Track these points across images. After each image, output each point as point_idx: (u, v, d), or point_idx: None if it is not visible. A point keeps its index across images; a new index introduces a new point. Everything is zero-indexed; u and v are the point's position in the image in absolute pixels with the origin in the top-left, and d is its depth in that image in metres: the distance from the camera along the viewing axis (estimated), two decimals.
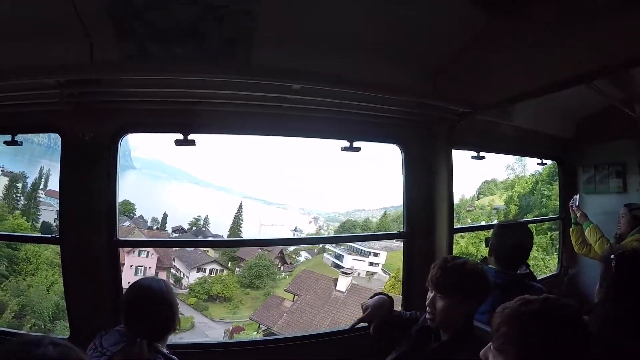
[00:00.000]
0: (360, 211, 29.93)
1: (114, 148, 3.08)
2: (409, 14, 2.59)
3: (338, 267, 24.90)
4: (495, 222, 5.37)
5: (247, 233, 28.21)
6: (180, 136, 3.12)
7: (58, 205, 3.12)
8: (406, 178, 3.72)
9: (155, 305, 2.21)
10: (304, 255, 27.13)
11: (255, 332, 20.74)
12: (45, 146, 22.80)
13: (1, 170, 22.31)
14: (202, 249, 25.06)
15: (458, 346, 2.20)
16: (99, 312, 2.98)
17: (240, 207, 28.53)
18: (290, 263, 26.79)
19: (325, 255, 26.18)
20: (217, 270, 25.04)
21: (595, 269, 2.44)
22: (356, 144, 3.45)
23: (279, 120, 3.30)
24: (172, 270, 24.59)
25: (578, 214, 4.37)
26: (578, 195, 4.53)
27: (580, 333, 1.40)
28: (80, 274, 3.03)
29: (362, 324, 2.67)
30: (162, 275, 22.85)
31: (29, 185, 22.06)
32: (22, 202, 21.71)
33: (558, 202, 5.72)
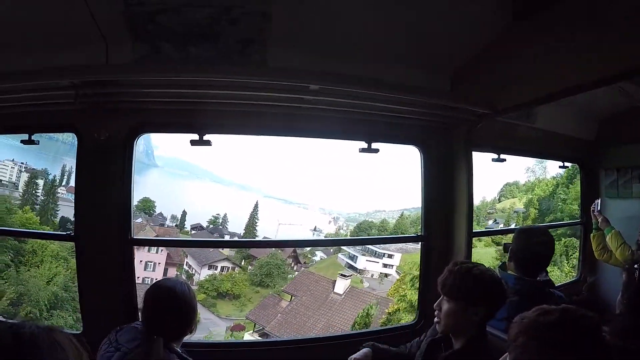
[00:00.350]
0: (380, 212, 29.85)
1: (129, 148, 3.08)
2: (428, 15, 2.54)
3: (352, 267, 24.89)
4: (514, 226, 5.24)
5: (264, 232, 28.50)
6: (195, 136, 3.12)
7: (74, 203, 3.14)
8: (425, 180, 3.65)
9: (176, 307, 2.22)
10: (319, 255, 27.18)
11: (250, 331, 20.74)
12: (70, 144, 23.28)
13: (24, 167, 22.98)
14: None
15: (471, 355, 2.14)
16: (112, 309, 3.01)
17: (256, 206, 28.76)
18: (305, 262, 26.86)
19: (339, 255, 26.17)
20: (228, 267, 25.30)
21: (616, 276, 2.35)
22: (374, 145, 3.40)
23: (296, 121, 3.27)
24: (184, 267, 24.94)
25: (599, 219, 4.22)
26: (600, 200, 4.38)
27: (600, 344, 1.35)
28: (94, 271, 3.07)
29: None
30: (171, 272, 23.21)
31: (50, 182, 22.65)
32: (41, 198, 22.28)
33: (575, 207, 5.57)
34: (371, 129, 3.40)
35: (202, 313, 22.54)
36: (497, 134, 3.83)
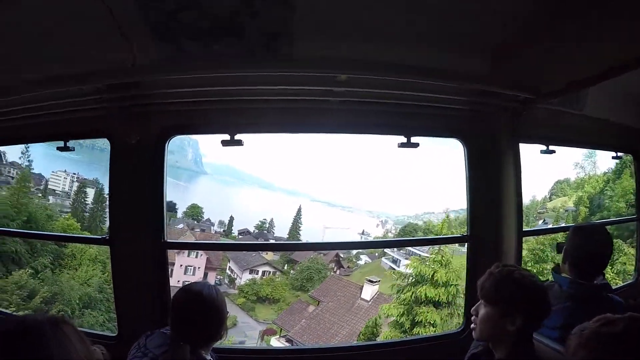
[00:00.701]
0: (429, 214, 29.34)
1: (160, 151, 3.09)
2: None
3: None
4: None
5: (310, 236, 28.86)
6: (227, 136, 3.07)
7: (108, 208, 3.20)
8: (469, 176, 3.42)
9: (203, 311, 2.17)
10: (364, 259, 27.07)
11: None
12: None
13: (76, 177, 24.61)
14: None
15: None
16: (146, 312, 3.02)
17: (299, 210, 29.19)
18: (348, 267, 26.85)
19: (383, 259, 25.90)
20: (269, 272, 25.67)
21: None
22: (414, 139, 3.22)
23: (327, 116, 3.17)
24: (227, 271, 25.58)
25: None
26: None
27: None
28: (128, 275, 3.10)
29: None
30: (212, 276, 23.84)
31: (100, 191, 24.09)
32: (90, 206, 23.72)
33: (622, 204, 5.07)
34: (409, 122, 3.23)
35: (240, 317, 23.06)
36: (544, 123, 3.53)
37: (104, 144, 3.19)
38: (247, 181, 36.21)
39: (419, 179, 33.09)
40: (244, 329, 22.36)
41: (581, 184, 23.39)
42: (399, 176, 33.56)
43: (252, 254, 25.35)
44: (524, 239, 3.51)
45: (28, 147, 20.98)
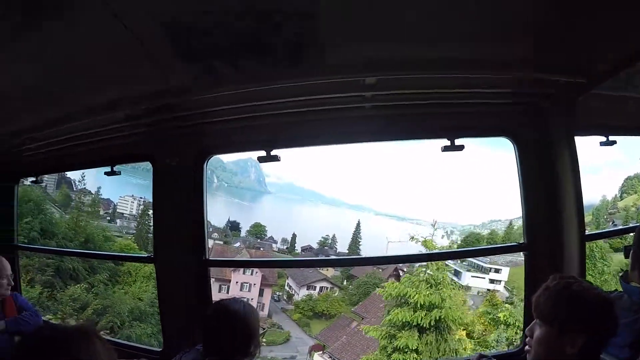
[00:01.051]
0: (496, 221, 27.98)
1: (199, 170, 3.17)
2: None
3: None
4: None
5: (372, 251, 28.55)
6: (263, 153, 3.09)
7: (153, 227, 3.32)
8: (523, 176, 3.10)
9: (228, 326, 2.18)
10: (427, 272, 26.37)
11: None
12: None
13: (142, 201, 26.57)
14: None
15: None
16: (189, 329, 3.03)
17: (358, 225, 29.08)
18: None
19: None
20: (326, 288, 25.60)
21: None
22: (458, 141, 3.00)
23: (362, 124, 3.08)
24: (285, 287, 25.91)
25: None
26: None
27: None
28: (172, 292, 3.19)
29: None
30: (267, 292, 24.19)
31: None
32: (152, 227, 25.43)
33: None
34: (451, 123, 3.02)
35: (295, 332, 23.09)
36: (602, 111, 3.14)
37: None
38: (310, 198, 36.84)
39: (486, 186, 31.37)
40: (296, 345, 22.43)
41: None
42: (465, 182, 32.16)
43: (310, 270, 25.48)
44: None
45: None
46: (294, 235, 29.28)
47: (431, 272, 16.52)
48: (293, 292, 26.09)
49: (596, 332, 1.68)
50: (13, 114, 2.74)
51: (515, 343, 14.49)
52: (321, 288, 25.63)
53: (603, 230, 15.75)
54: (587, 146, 3.29)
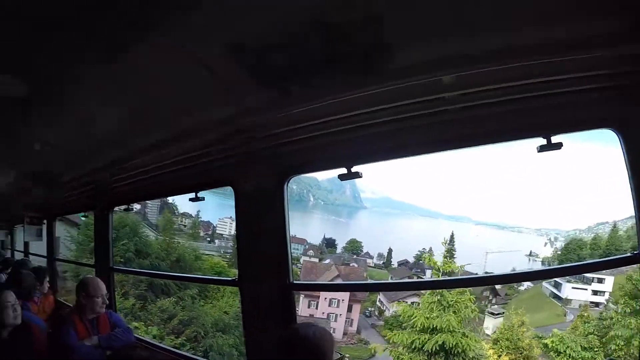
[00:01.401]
0: (603, 224, 24.99)
1: (279, 192, 3.14)
2: None
3: (556, 297, 21.00)
4: None
5: (469, 262, 27.36)
6: (344, 170, 2.98)
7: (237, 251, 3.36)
8: (632, 172, 2.52)
9: (296, 350, 2.20)
10: (525, 285, 24.35)
11: None
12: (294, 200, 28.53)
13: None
14: None
15: None
16: (274, 352, 2.99)
17: (452, 236, 27.95)
18: (506, 294, 24.38)
19: (544, 284, 22.70)
20: (418, 303, 24.66)
21: None
22: (555, 139, 2.56)
23: (446, 130, 2.78)
24: (377, 303, 25.50)
25: None
26: None
27: None
28: (257, 315, 3.17)
29: None
30: (356, 308, 24.01)
31: None
32: None
33: None
34: (544, 118, 2.57)
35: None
36: None
37: None
38: (406, 211, 36.44)
39: (592, 185, 27.96)
40: None
41: None
42: (568, 182, 28.98)
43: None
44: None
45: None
46: (390, 250, 28.86)
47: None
48: (384, 308, 25.53)
49: None
50: (104, 147, 3.00)
51: None
52: (412, 303, 24.77)
53: None
54: None
